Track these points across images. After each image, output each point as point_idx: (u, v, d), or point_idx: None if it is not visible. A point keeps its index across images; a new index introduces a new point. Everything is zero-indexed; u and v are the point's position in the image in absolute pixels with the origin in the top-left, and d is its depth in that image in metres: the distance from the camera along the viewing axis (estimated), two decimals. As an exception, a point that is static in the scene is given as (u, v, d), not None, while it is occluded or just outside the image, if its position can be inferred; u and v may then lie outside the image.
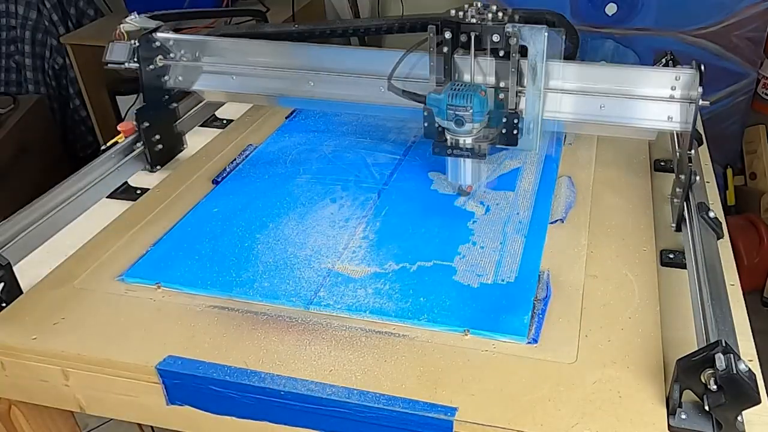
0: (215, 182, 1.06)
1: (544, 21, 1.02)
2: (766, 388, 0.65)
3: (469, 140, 0.90)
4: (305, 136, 1.19)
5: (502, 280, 0.82)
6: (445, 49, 0.91)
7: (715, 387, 0.60)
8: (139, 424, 1.16)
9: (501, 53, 0.89)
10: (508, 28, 0.87)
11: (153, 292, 0.83)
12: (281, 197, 1.01)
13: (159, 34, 1.08)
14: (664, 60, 1.22)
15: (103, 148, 1.07)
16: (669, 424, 0.63)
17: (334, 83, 1.03)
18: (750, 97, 2.05)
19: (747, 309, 0.77)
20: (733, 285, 0.77)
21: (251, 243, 0.90)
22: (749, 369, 0.59)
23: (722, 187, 2.20)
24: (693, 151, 0.88)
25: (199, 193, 1.03)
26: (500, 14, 0.89)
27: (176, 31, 1.15)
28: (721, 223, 0.86)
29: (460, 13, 0.90)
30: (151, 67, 1.07)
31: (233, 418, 0.73)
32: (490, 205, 0.97)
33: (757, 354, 0.71)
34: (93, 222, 0.98)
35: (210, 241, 0.91)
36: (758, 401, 0.59)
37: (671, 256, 0.86)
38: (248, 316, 0.78)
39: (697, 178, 0.88)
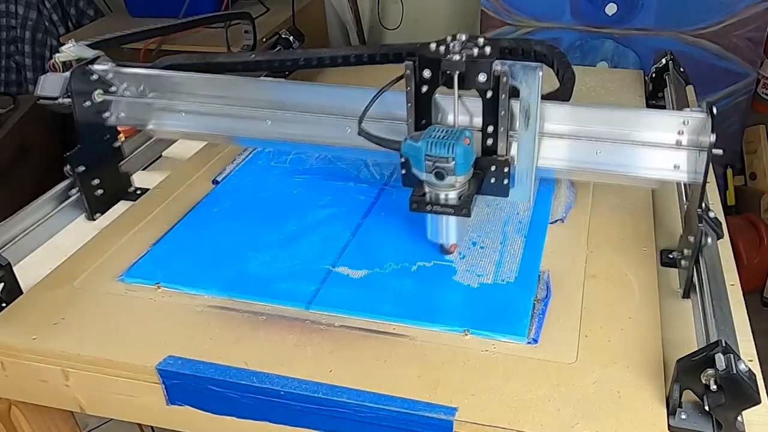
0: (215, 182, 1.06)
1: (533, 54, 0.91)
2: (766, 389, 0.65)
3: (452, 194, 0.78)
4: (305, 136, 1.19)
5: (502, 280, 0.82)
6: (425, 89, 0.79)
7: (715, 387, 0.60)
8: (139, 424, 1.16)
9: (488, 94, 0.78)
10: (497, 65, 0.75)
11: (153, 292, 0.83)
12: (281, 197, 1.01)
13: (97, 66, 0.96)
14: (663, 60, 1.23)
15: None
16: (669, 424, 0.63)
17: (293, 122, 0.92)
18: (750, 97, 2.05)
19: (747, 309, 0.77)
20: (733, 285, 0.77)
21: (251, 243, 0.90)
22: (749, 369, 0.59)
23: (722, 187, 2.21)
24: (704, 206, 0.77)
25: (199, 193, 1.03)
26: (488, 48, 0.76)
27: (160, 35, 1.06)
28: (721, 223, 0.85)
29: (442, 48, 0.78)
30: (88, 103, 0.95)
31: (233, 418, 0.73)
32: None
33: (757, 354, 0.71)
34: (93, 222, 0.99)
35: (210, 241, 0.91)
36: (758, 401, 0.59)
37: (671, 255, 0.86)
38: (248, 316, 0.78)
39: (709, 239, 0.77)
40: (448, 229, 0.83)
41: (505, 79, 0.76)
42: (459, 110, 0.81)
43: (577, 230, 0.91)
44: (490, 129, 0.80)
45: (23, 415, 0.86)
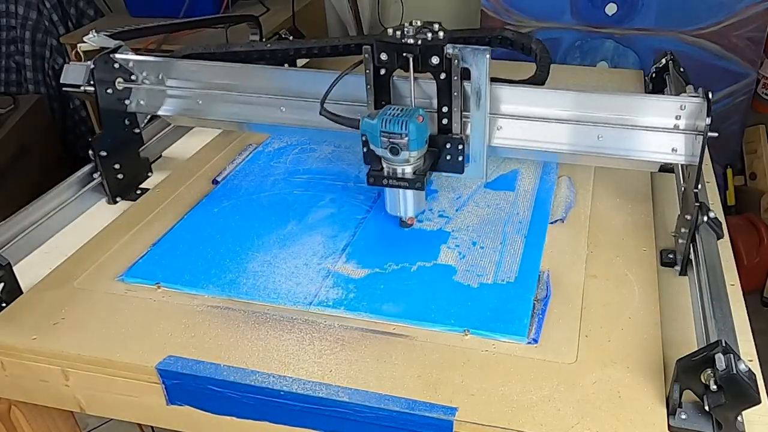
0: (215, 182, 1.06)
1: (498, 40, 0.96)
2: (766, 388, 0.65)
3: (408, 169, 0.83)
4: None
5: (502, 280, 0.82)
6: (383, 71, 0.84)
7: (715, 387, 0.60)
8: (139, 424, 1.16)
9: (442, 75, 0.83)
10: (449, 49, 0.81)
11: (153, 292, 0.83)
12: (281, 197, 1.01)
13: (118, 55, 0.99)
14: (664, 60, 1.22)
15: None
16: (669, 425, 0.63)
17: (306, 109, 0.95)
18: (750, 97, 2.05)
19: (747, 309, 0.77)
20: (733, 285, 0.77)
21: (251, 243, 0.90)
22: (749, 369, 0.59)
23: (722, 187, 2.20)
24: (701, 187, 0.80)
25: (199, 193, 1.03)
26: (441, 33, 0.82)
27: (174, 32, 1.11)
28: (721, 223, 0.86)
29: (398, 33, 0.82)
30: (110, 90, 0.99)
31: (233, 418, 0.73)
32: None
33: (757, 354, 0.71)
34: (93, 222, 0.99)
35: (210, 241, 0.91)
36: (758, 401, 0.59)
37: (671, 255, 0.86)
38: (248, 316, 0.78)
39: (705, 217, 0.79)
40: (406, 202, 0.89)
41: (456, 61, 0.81)
42: (416, 92, 0.86)
43: (577, 230, 0.91)
44: (445, 109, 0.86)
45: (23, 415, 0.86)
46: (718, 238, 0.83)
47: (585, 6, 1.97)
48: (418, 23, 0.83)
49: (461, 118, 0.86)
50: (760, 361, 0.70)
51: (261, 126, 1.01)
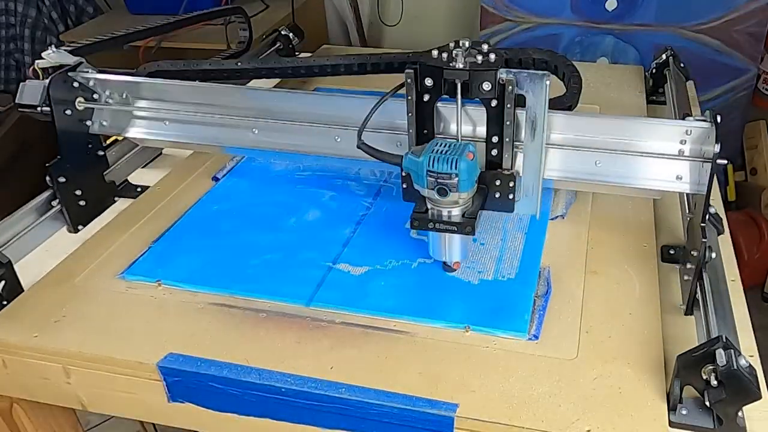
0: (215, 179, 1.06)
1: (532, 62, 0.89)
2: (766, 384, 0.65)
3: (455, 211, 0.75)
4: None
5: (503, 277, 0.82)
6: (426, 98, 0.77)
7: (715, 383, 0.60)
8: (140, 422, 1.17)
9: (493, 103, 0.75)
10: (503, 74, 0.73)
11: (154, 289, 0.83)
12: (282, 194, 1.00)
13: (78, 73, 0.93)
14: (664, 56, 1.22)
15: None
16: (670, 420, 0.63)
17: (281, 131, 0.91)
18: (750, 93, 2.05)
19: (747, 304, 0.77)
20: (733, 280, 0.77)
21: (252, 240, 0.90)
22: (750, 364, 0.59)
23: (723, 183, 2.21)
24: (708, 218, 0.74)
25: (200, 191, 1.02)
26: (492, 56, 0.74)
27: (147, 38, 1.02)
28: (721, 218, 0.86)
29: (444, 55, 0.75)
30: (69, 111, 0.92)
31: (234, 415, 0.73)
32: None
33: (758, 349, 0.71)
34: (94, 220, 0.99)
35: (211, 239, 0.91)
36: (759, 396, 0.59)
37: (672, 251, 0.86)
38: (249, 313, 0.78)
39: (713, 255, 0.73)
40: (452, 246, 0.80)
41: (510, 87, 0.74)
42: (462, 120, 0.78)
43: (577, 226, 0.91)
44: (495, 140, 0.78)
45: (25, 413, 0.86)
46: (719, 234, 0.83)
47: (585, 2, 1.97)
48: (466, 44, 0.75)
49: (513, 149, 0.78)
50: (760, 356, 0.70)
51: (233, 149, 0.97)
